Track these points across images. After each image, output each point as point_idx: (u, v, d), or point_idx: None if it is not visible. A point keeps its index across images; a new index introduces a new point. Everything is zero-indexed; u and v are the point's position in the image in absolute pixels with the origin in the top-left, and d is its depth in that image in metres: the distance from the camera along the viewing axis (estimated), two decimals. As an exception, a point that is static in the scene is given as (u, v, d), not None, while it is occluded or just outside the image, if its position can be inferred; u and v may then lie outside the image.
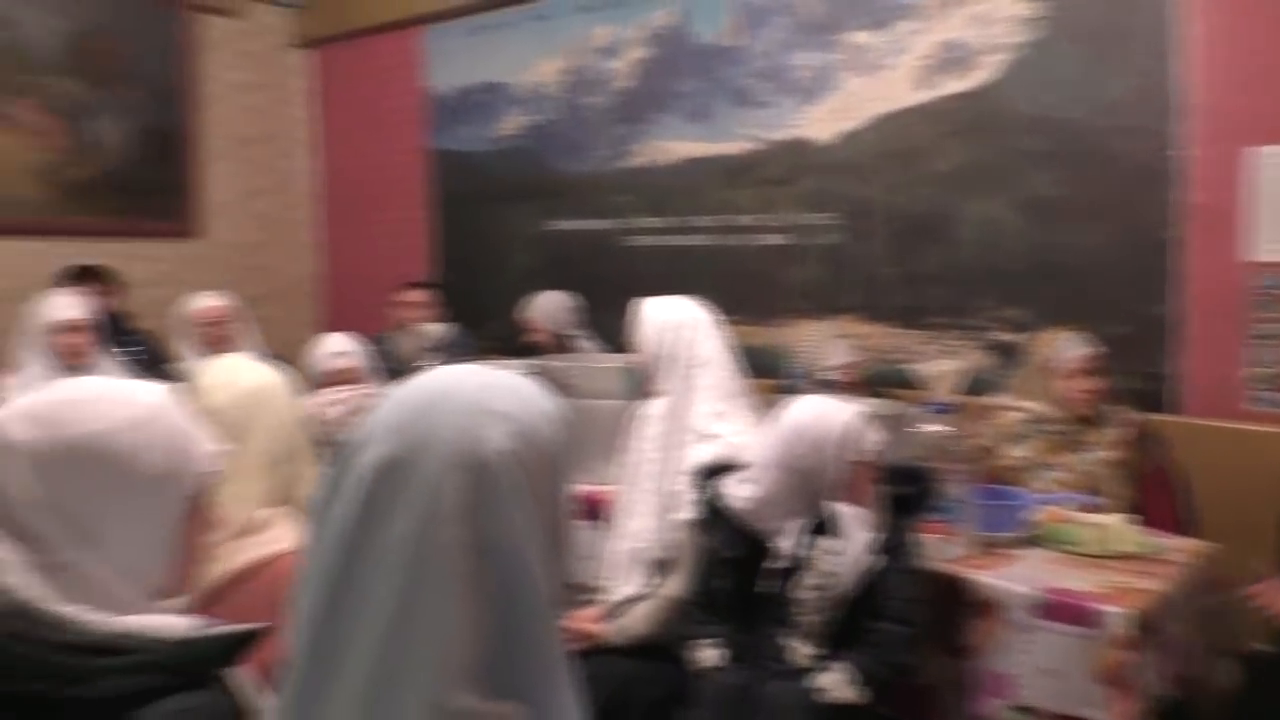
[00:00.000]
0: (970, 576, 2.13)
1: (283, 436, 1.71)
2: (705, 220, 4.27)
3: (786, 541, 2.03)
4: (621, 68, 4.52)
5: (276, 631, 0.88)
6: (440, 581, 0.77)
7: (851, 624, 1.98)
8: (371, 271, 5.43)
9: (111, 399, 1.00)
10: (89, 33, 4.80)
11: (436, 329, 4.37)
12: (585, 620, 2.24)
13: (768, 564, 2.03)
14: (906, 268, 3.73)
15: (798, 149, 3.98)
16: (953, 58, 3.57)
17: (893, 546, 2.02)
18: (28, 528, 0.93)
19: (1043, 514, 2.37)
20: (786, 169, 4.02)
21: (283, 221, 5.70)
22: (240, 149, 5.46)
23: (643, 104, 4.45)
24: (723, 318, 2.50)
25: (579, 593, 2.34)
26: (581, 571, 2.38)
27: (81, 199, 4.80)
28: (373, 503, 0.79)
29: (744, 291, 4.02)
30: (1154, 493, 2.66)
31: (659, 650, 2.15)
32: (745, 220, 4.15)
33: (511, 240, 4.98)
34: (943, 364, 2.72)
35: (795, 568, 2.01)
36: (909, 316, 3.73)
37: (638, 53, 4.47)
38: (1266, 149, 2.96)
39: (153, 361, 3.79)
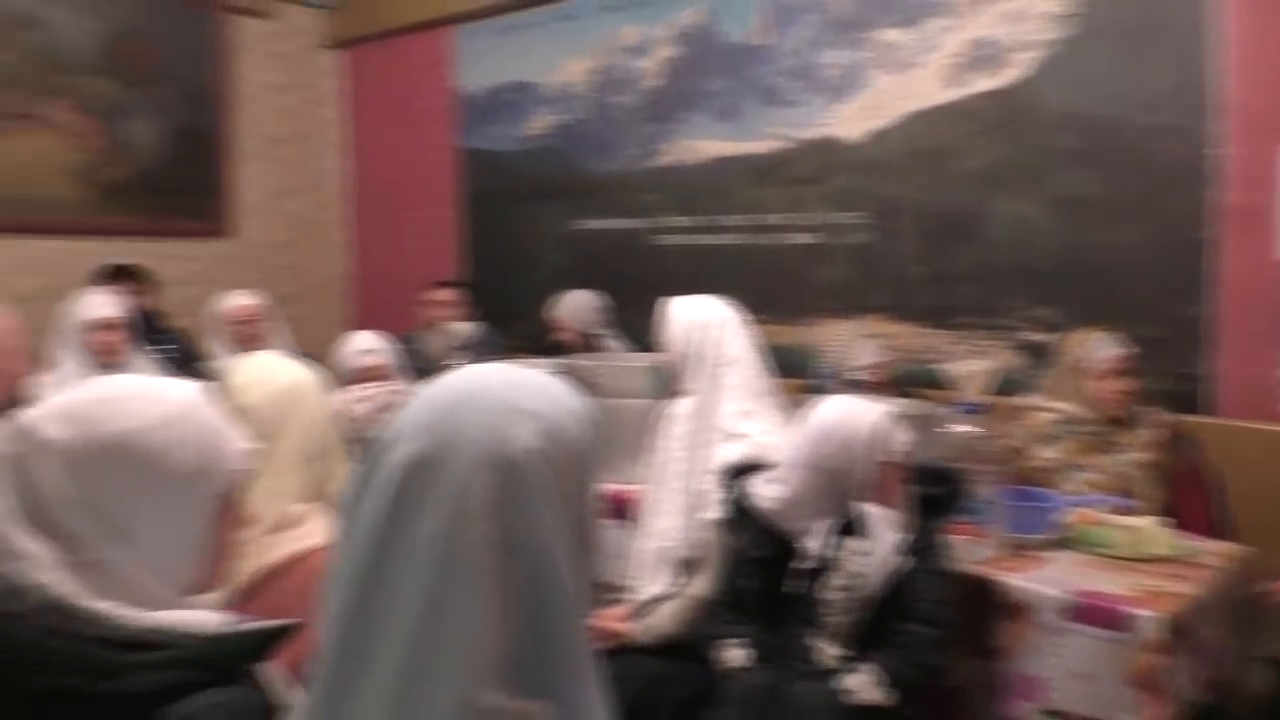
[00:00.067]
0: (1000, 579, 2.12)
1: (316, 433, 1.72)
2: (734, 219, 4.26)
3: (814, 542, 2.02)
4: (650, 67, 4.52)
5: (308, 627, 0.88)
6: (469, 579, 0.77)
7: (879, 625, 1.97)
8: (401, 270, 5.46)
9: (144, 397, 1.01)
10: (123, 34, 4.86)
11: (465, 328, 4.39)
12: (612, 619, 2.25)
13: (795, 564, 2.03)
14: (936, 267, 3.71)
15: (827, 148, 3.96)
16: (984, 55, 3.54)
17: (921, 548, 2.01)
18: (61, 525, 0.94)
19: (1074, 516, 2.35)
20: (815, 168, 4.00)
21: (313, 221, 5.75)
22: (272, 149, 5.50)
23: (671, 103, 4.45)
24: (751, 317, 2.49)
25: (606, 592, 2.34)
26: (608, 570, 2.38)
27: (117, 199, 4.87)
28: (402, 500, 0.80)
29: (772, 291, 4.01)
30: (1187, 495, 2.62)
31: (686, 650, 2.15)
32: (774, 219, 4.14)
33: (540, 239, 4.99)
34: (972, 364, 2.70)
35: (822, 568, 2.00)
36: (938, 316, 3.71)
37: (666, 52, 4.46)
38: (1304, 147, 2.92)
39: (185, 360, 3.83)
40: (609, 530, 2.51)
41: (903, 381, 3.39)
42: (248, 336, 3.74)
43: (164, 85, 5.03)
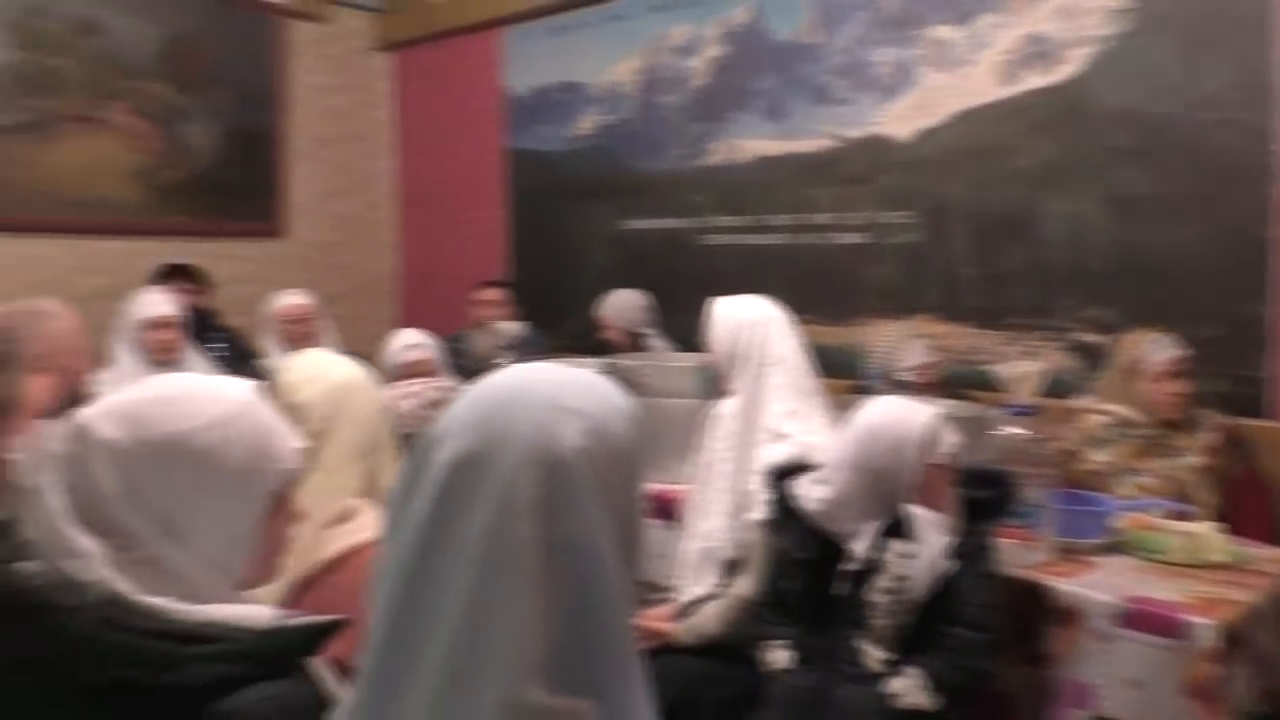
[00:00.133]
0: (1050, 583, 2.09)
1: (368, 429, 1.75)
2: (782, 219, 4.24)
3: (860, 544, 2.00)
4: (698, 66, 4.51)
5: (358, 622, 0.89)
6: (515, 576, 0.78)
7: (925, 629, 1.95)
8: (449, 270, 5.51)
9: (198, 397, 1.03)
10: (179, 38, 4.95)
11: (512, 327, 4.41)
12: (656, 619, 2.25)
13: (840, 566, 2.01)
14: (987, 267, 3.66)
15: (876, 146, 3.93)
16: (1037, 52, 3.49)
17: (968, 551, 1.98)
18: (115, 523, 0.96)
19: (1126, 520, 2.30)
20: (865, 167, 3.97)
21: (363, 221, 5.81)
22: (323, 150, 5.57)
23: (719, 102, 4.44)
24: (798, 317, 2.48)
25: (650, 591, 2.35)
26: (653, 570, 2.38)
27: (174, 200, 4.96)
28: (449, 497, 0.80)
29: (820, 291, 3.99)
30: (1244, 500, 2.57)
31: (729, 650, 2.15)
32: (822, 219, 4.11)
33: (588, 239, 5.00)
34: (1023, 365, 2.67)
35: (868, 570, 1.98)
36: (988, 316, 3.66)
37: (714, 51, 4.46)
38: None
39: (238, 358, 3.89)
40: (654, 530, 2.51)
41: (952, 383, 3.35)
42: (299, 335, 3.80)
43: (219, 88, 5.12)
